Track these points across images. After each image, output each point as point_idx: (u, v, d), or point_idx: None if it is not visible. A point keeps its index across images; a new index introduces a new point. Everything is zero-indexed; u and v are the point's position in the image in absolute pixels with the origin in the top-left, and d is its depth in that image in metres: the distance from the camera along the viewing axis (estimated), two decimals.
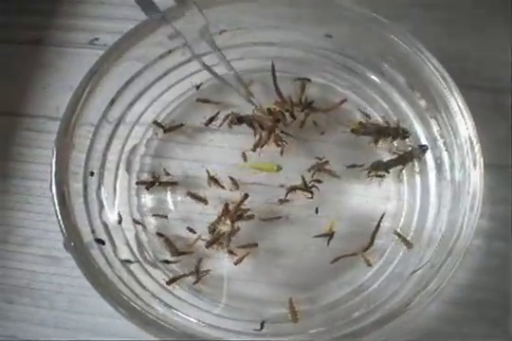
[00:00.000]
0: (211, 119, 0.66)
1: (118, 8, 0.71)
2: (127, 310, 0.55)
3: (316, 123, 0.66)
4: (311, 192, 0.64)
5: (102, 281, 0.55)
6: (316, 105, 0.66)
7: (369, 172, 0.64)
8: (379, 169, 0.63)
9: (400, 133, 0.63)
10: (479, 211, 0.55)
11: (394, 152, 0.64)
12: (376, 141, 0.64)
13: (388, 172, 0.64)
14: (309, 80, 0.66)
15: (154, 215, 0.66)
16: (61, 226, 0.55)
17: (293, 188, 0.64)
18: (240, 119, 0.65)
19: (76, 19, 0.71)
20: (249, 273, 0.65)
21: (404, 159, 0.63)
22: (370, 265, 0.63)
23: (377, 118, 0.66)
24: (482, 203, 0.57)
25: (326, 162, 0.64)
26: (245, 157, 0.65)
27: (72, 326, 0.66)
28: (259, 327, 0.61)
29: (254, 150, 0.65)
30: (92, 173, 0.62)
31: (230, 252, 0.64)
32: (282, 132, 0.65)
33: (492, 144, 0.65)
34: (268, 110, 0.64)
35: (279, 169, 0.64)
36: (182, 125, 0.67)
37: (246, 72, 0.66)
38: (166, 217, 0.66)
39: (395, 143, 0.65)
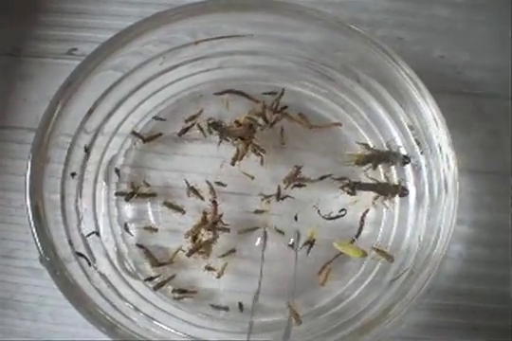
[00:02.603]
0: (185, 130, 0.66)
1: (96, 17, 0.71)
2: (104, 325, 0.54)
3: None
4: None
5: (78, 296, 0.55)
6: (292, 113, 0.66)
7: (342, 187, 0.63)
8: (354, 188, 0.63)
9: (401, 158, 0.63)
10: (455, 217, 0.55)
11: (374, 180, 0.64)
12: (375, 166, 0.64)
13: (354, 194, 0.63)
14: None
15: (134, 226, 0.66)
16: (35, 240, 0.55)
17: (267, 197, 0.64)
18: (215, 125, 0.65)
19: (54, 29, 0.71)
20: (231, 283, 0.64)
21: (382, 190, 0.63)
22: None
23: (356, 127, 0.66)
24: (463, 209, 0.57)
25: (299, 170, 0.64)
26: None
27: (56, 337, 0.66)
28: (244, 338, 0.60)
29: (233, 163, 0.65)
30: (69, 185, 0.62)
31: (209, 268, 0.63)
32: (253, 144, 0.65)
33: (474, 150, 0.65)
34: (236, 122, 0.65)
35: (364, 255, 0.62)
36: (160, 134, 0.67)
37: (224, 81, 0.66)
38: (146, 228, 0.66)
39: (393, 168, 0.65)
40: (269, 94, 0.66)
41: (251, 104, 0.66)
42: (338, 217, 0.64)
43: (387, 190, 0.62)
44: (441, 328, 0.64)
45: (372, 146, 0.64)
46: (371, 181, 0.63)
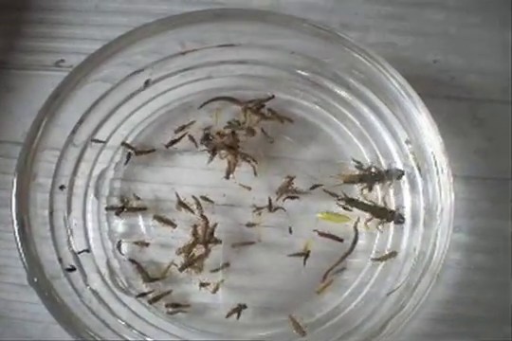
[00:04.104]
0: (174, 141, 0.65)
1: (83, 28, 0.70)
2: None
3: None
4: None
5: (68, 317, 0.54)
6: (286, 123, 0.65)
7: (338, 200, 0.63)
8: (351, 205, 0.62)
9: (395, 173, 0.62)
10: (451, 226, 0.54)
11: (371, 201, 0.63)
12: (371, 188, 0.63)
13: (349, 210, 0.63)
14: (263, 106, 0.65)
15: (125, 240, 0.65)
16: (22, 260, 0.54)
17: (259, 209, 0.63)
18: (205, 140, 0.64)
19: (40, 40, 0.70)
20: (226, 298, 0.63)
21: (378, 213, 0.62)
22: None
23: (349, 134, 0.65)
24: (459, 216, 0.56)
25: (291, 181, 0.63)
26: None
27: None
28: None
29: (227, 177, 0.64)
30: (58, 199, 0.61)
31: (203, 284, 0.62)
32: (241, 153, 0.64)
33: (469, 155, 0.65)
34: (218, 134, 0.64)
35: (348, 219, 0.63)
36: (154, 150, 0.66)
37: (214, 91, 0.65)
38: (138, 242, 0.64)
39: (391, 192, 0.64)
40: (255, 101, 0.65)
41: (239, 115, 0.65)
42: (331, 236, 0.62)
43: (383, 215, 0.62)
44: (442, 337, 0.63)
45: (366, 166, 0.64)
46: (368, 202, 0.63)
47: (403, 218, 0.61)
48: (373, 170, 0.63)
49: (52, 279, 0.55)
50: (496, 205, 0.64)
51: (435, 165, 0.56)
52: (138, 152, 0.65)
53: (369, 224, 0.62)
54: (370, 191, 0.63)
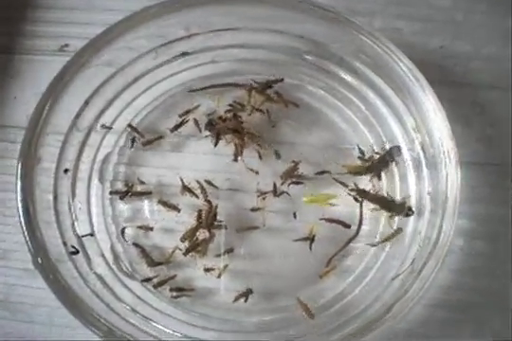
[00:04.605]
0: (178, 126, 0.65)
1: (87, 12, 0.69)
2: (100, 329, 0.53)
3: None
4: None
5: (72, 299, 0.54)
6: (291, 108, 0.65)
7: (350, 190, 0.62)
8: (360, 195, 0.62)
9: (397, 151, 0.62)
10: (457, 212, 0.54)
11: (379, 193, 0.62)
12: (379, 176, 0.63)
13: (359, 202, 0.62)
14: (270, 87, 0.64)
15: (129, 225, 0.65)
16: (27, 242, 0.54)
17: (264, 194, 0.63)
18: (209, 126, 0.64)
19: (44, 25, 0.69)
20: (229, 282, 0.63)
21: (387, 206, 0.62)
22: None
23: (355, 120, 0.65)
24: (462, 202, 0.55)
25: (297, 166, 0.63)
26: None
27: (52, 339, 0.65)
28: (242, 338, 0.60)
29: (236, 159, 0.64)
30: (62, 184, 0.60)
31: (208, 269, 0.62)
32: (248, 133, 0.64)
33: (473, 142, 0.64)
34: (220, 118, 0.64)
35: (334, 196, 0.62)
36: (161, 137, 0.65)
37: (218, 76, 0.65)
38: (142, 227, 0.64)
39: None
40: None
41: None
42: (339, 222, 0.62)
43: (392, 208, 0.61)
44: (444, 323, 0.63)
45: (367, 156, 0.63)
46: (376, 193, 0.62)
47: (412, 211, 0.61)
48: (375, 157, 0.63)
49: (57, 263, 0.55)
50: (498, 191, 0.64)
51: (442, 150, 0.56)
52: (147, 143, 0.65)
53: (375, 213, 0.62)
54: (380, 180, 0.63)
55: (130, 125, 0.65)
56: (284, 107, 0.64)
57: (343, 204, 0.63)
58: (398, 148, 0.62)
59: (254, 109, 0.64)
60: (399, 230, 0.60)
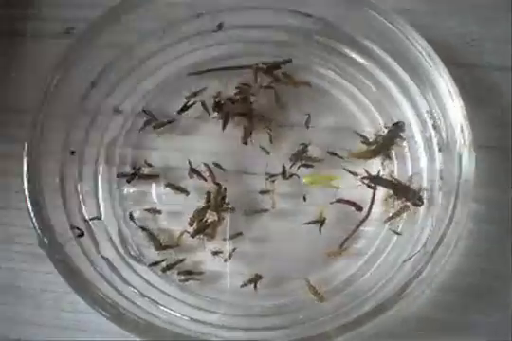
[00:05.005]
0: (185, 108, 0.64)
1: None
2: (107, 310, 0.53)
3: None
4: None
5: (80, 281, 0.53)
6: (301, 87, 0.64)
7: (362, 178, 0.61)
8: (372, 182, 0.61)
9: (399, 127, 0.61)
10: (470, 195, 0.53)
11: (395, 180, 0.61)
12: (388, 156, 0.62)
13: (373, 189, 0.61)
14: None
15: (137, 208, 0.64)
16: (33, 224, 0.53)
17: (272, 176, 0.62)
18: (217, 107, 0.63)
19: (49, 8, 0.68)
20: (238, 266, 0.63)
21: (400, 191, 0.61)
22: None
23: (366, 102, 0.64)
24: (475, 185, 0.55)
25: (306, 148, 0.62)
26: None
27: (59, 324, 0.65)
28: (251, 322, 0.59)
29: (245, 142, 0.63)
30: (69, 167, 0.60)
31: (216, 253, 0.62)
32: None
33: (486, 125, 0.63)
34: (229, 99, 0.63)
35: (334, 177, 0.62)
36: (174, 120, 0.64)
37: (226, 57, 0.64)
38: (149, 210, 0.64)
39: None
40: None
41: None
42: (352, 203, 0.61)
43: (405, 194, 0.60)
44: (455, 307, 0.62)
45: (371, 138, 0.62)
46: (391, 178, 0.61)
47: (422, 201, 0.60)
48: (379, 140, 0.62)
49: (65, 246, 0.55)
50: (510, 175, 0.63)
51: (456, 133, 0.55)
52: (157, 126, 0.64)
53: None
54: (390, 160, 0.62)
55: (144, 110, 0.65)
56: (294, 88, 0.63)
57: (346, 185, 0.62)
58: (402, 124, 0.61)
59: (261, 87, 0.63)
60: (405, 207, 0.60)
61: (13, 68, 0.68)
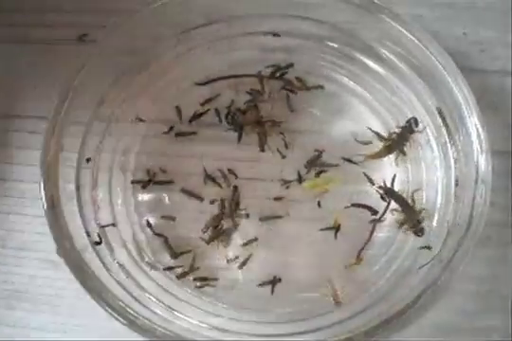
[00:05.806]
0: (198, 115, 0.64)
1: (107, 1, 0.68)
2: (123, 316, 0.53)
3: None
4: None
5: (97, 287, 0.53)
6: (314, 93, 0.64)
7: (378, 188, 0.62)
8: (387, 194, 0.62)
9: (412, 123, 0.61)
10: (488, 200, 0.53)
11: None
12: (403, 152, 0.62)
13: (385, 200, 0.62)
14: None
15: (151, 215, 0.65)
16: (52, 231, 0.54)
17: (287, 182, 0.62)
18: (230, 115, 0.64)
19: (62, 14, 0.68)
20: (254, 272, 0.63)
21: (407, 212, 0.61)
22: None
23: (380, 109, 0.64)
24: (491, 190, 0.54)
25: (320, 155, 0.63)
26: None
27: (74, 330, 0.65)
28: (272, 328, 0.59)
29: (263, 150, 0.63)
30: (85, 174, 0.60)
31: (230, 259, 0.62)
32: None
33: (500, 130, 0.63)
34: (239, 110, 0.63)
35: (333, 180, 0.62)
36: (195, 133, 0.65)
37: (239, 64, 0.64)
38: (164, 217, 0.64)
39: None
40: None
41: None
42: (367, 207, 0.62)
43: (411, 216, 0.60)
44: (472, 313, 0.62)
45: (384, 135, 0.62)
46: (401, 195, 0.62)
47: (423, 233, 0.60)
48: (393, 136, 0.62)
49: (81, 252, 0.55)
50: None
51: (472, 138, 0.54)
52: (178, 134, 0.64)
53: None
54: (405, 156, 0.62)
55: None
56: (307, 94, 0.64)
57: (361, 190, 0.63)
58: (415, 119, 0.61)
59: (271, 93, 0.63)
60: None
61: (27, 75, 0.69)
